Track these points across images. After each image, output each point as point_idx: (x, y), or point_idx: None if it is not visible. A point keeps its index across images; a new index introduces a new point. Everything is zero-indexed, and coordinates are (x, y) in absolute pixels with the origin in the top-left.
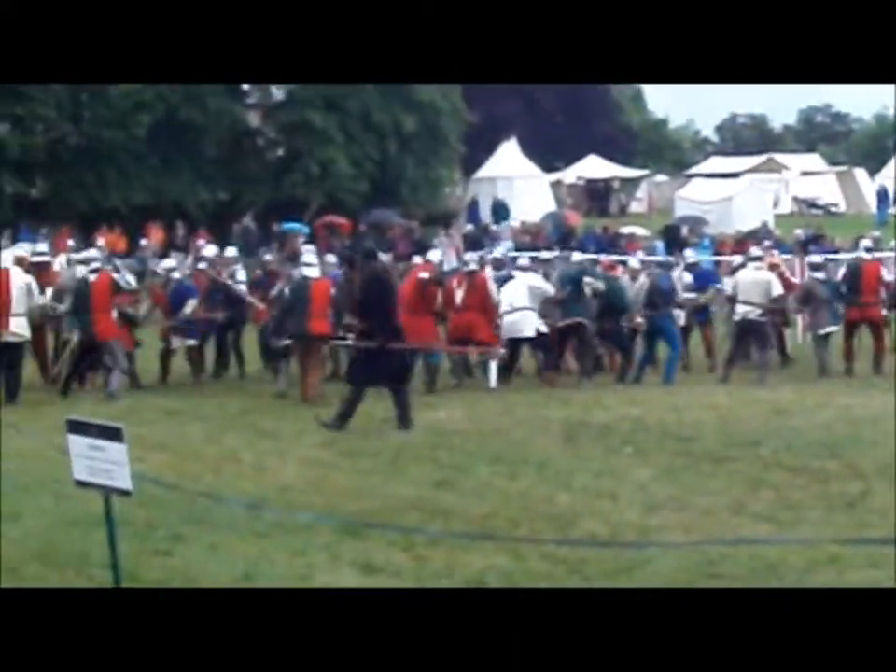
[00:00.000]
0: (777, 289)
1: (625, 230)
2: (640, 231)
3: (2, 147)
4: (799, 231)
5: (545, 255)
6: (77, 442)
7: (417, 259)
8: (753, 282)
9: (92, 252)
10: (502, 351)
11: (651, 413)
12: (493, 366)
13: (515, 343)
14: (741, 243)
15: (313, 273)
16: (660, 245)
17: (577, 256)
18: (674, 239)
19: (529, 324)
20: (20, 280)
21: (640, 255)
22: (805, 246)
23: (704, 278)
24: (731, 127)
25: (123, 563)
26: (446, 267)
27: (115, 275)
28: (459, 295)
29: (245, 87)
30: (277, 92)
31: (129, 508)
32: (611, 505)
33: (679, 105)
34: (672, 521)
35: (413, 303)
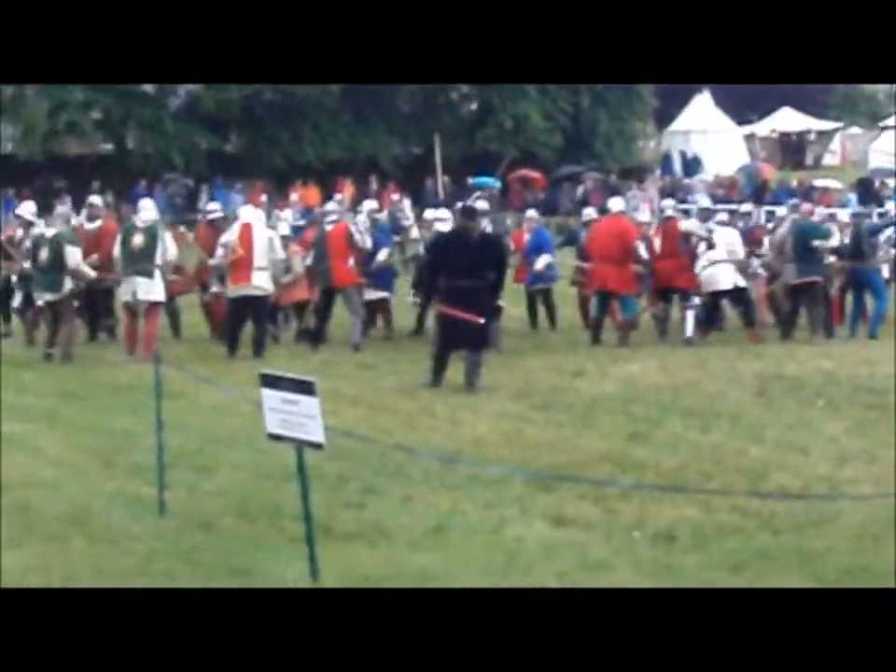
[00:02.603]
0: None
1: (819, 182)
2: (834, 183)
3: (197, 104)
4: None
5: (744, 208)
6: (271, 396)
7: (589, 211)
8: None
9: (330, 205)
10: (697, 302)
11: (843, 366)
12: (689, 316)
13: (714, 297)
14: None
15: (443, 227)
16: (853, 197)
17: (806, 207)
18: (867, 192)
19: (725, 277)
20: (263, 234)
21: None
22: None
23: None
24: None
25: (316, 515)
26: (640, 219)
27: (351, 227)
28: (657, 243)
29: None
30: None
31: (322, 461)
32: (803, 458)
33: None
34: (863, 473)
35: (616, 253)
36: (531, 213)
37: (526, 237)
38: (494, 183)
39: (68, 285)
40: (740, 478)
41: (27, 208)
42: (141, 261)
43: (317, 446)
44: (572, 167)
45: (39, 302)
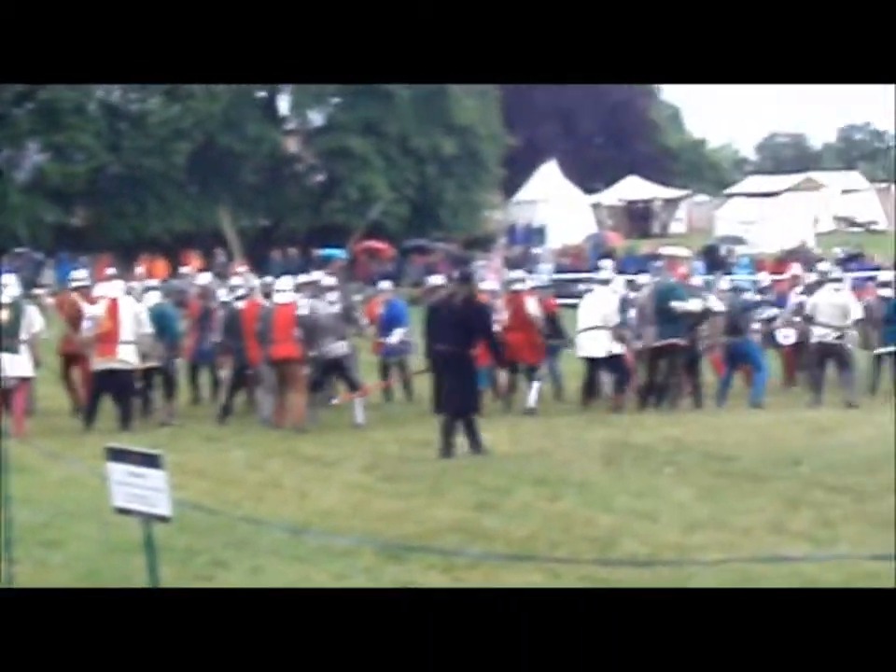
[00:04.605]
0: (857, 313)
1: (665, 250)
2: (681, 251)
3: (43, 177)
4: (838, 250)
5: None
6: (118, 470)
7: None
8: (832, 304)
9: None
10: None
11: (691, 433)
12: (535, 386)
13: (590, 363)
14: (781, 262)
15: (282, 298)
16: (700, 265)
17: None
18: (714, 259)
19: (599, 344)
20: (129, 308)
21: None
22: (844, 265)
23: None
24: (770, 146)
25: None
26: (487, 289)
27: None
28: (504, 315)
29: (284, 113)
30: (316, 118)
31: (171, 534)
32: (651, 525)
33: (718, 125)
34: (712, 540)
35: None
36: (385, 284)
37: (381, 310)
38: (341, 255)
39: None
40: (589, 546)
41: None
42: (7, 337)
43: (164, 519)
44: (419, 239)
45: None
